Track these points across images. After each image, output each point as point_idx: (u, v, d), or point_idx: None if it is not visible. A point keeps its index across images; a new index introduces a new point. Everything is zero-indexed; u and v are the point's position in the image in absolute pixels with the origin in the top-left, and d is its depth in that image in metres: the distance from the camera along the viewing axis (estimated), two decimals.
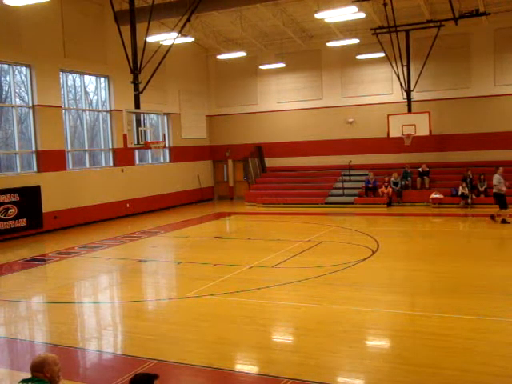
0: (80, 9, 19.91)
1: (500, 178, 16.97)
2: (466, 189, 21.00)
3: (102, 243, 16.05)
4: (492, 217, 17.04)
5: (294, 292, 10.07)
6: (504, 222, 16.66)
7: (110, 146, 21.83)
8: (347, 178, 24.26)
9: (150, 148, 17.44)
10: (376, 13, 21.69)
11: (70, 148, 20.15)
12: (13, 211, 17.20)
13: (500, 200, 16.90)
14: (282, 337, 8.11)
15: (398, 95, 23.42)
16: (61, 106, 19.34)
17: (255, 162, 26.86)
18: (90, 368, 7.17)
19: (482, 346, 7.03)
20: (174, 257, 14.78)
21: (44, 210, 18.28)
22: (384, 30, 21.52)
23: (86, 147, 21.04)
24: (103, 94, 21.70)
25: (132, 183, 22.36)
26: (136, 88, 16.21)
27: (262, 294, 9.92)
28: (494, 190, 17.10)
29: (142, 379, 3.71)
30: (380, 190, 22.64)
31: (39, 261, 14.02)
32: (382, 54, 22.46)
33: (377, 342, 7.67)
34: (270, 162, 27.27)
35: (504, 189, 16.89)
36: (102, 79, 21.54)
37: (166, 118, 25.06)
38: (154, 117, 24.15)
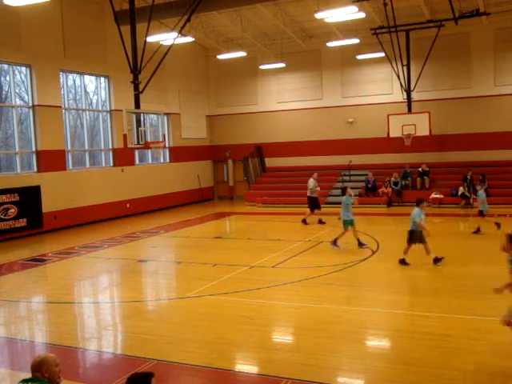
0: (80, 9, 19.90)
1: (315, 182, 18.22)
2: (467, 189, 20.99)
3: (101, 243, 16.05)
4: (304, 221, 18.01)
5: (294, 292, 10.06)
6: (320, 222, 17.90)
7: (110, 146, 21.82)
8: (347, 177, 24.26)
9: (150, 148, 17.44)
10: (376, 13, 21.68)
11: (70, 148, 20.15)
12: (13, 211, 17.19)
13: (312, 203, 18.11)
14: (282, 337, 8.11)
15: (398, 95, 23.41)
16: (61, 106, 19.33)
17: (255, 161, 26.85)
18: (90, 368, 7.17)
19: (482, 346, 7.03)
20: (174, 257, 14.78)
21: (44, 210, 18.27)
22: (384, 30, 21.51)
23: (86, 147, 21.04)
24: (103, 93, 21.70)
25: (132, 183, 22.35)
26: (136, 88, 16.21)
27: (262, 294, 9.91)
28: (308, 194, 18.24)
29: (140, 379, 3.69)
30: (380, 189, 22.64)
31: (39, 261, 14.01)
32: (382, 54, 22.44)
33: (377, 342, 7.67)
34: (269, 162, 27.27)
35: (316, 194, 18.16)
36: (102, 79, 21.53)
37: (166, 117, 25.06)
38: (154, 117, 24.14)
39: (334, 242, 13.60)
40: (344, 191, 13.91)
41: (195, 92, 27.14)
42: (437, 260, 11.44)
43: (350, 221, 13.54)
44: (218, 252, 14.22)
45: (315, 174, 18.91)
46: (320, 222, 18.04)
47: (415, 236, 11.59)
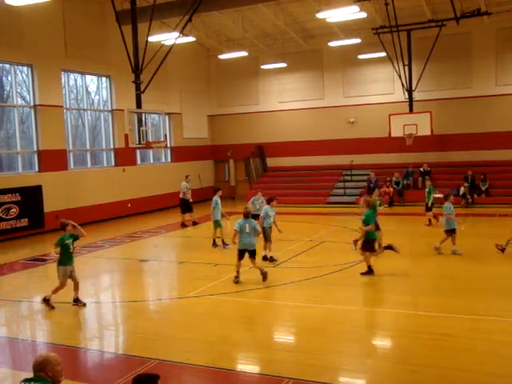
0: (81, 9, 19.92)
1: (188, 185, 18.83)
2: (467, 189, 20.96)
3: (103, 243, 16.06)
4: (183, 224, 18.52)
5: (295, 292, 10.07)
6: (183, 225, 18.43)
7: (112, 146, 21.84)
8: (349, 177, 24.26)
9: (152, 148, 17.48)
10: (377, 12, 21.68)
11: (71, 148, 20.16)
12: (14, 211, 17.21)
13: (184, 205, 18.71)
14: (284, 336, 8.11)
15: (400, 95, 23.40)
16: (62, 106, 19.35)
17: (257, 161, 26.84)
18: (91, 368, 7.18)
19: (482, 345, 7.04)
20: (175, 257, 14.79)
21: (45, 210, 18.28)
22: (385, 30, 21.50)
23: (88, 147, 21.05)
24: (105, 93, 21.71)
25: (133, 183, 22.36)
26: (137, 88, 16.23)
27: (263, 293, 9.93)
28: (180, 196, 18.88)
29: (144, 380, 3.69)
30: (381, 189, 22.62)
31: (41, 261, 14.03)
32: (383, 54, 22.44)
33: (378, 342, 7.68)
34: (271, 162, 27.27)
35: (189, 196, 18.66)
36: (104, 79, 21.55)
37: (167, 117, 25.04)
38: (156, 116, 24.12)
39: (214, 243, 14.70)
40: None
41: (196, 92, 27.15)
42: (272, 259, 12.42)
43: (219, 221, 14.79)
44: (219, 252, 14.23)
45: (188, 178, 19.36)
46: (183, 225, 18.42)
47: (266, 233, 12.46)
